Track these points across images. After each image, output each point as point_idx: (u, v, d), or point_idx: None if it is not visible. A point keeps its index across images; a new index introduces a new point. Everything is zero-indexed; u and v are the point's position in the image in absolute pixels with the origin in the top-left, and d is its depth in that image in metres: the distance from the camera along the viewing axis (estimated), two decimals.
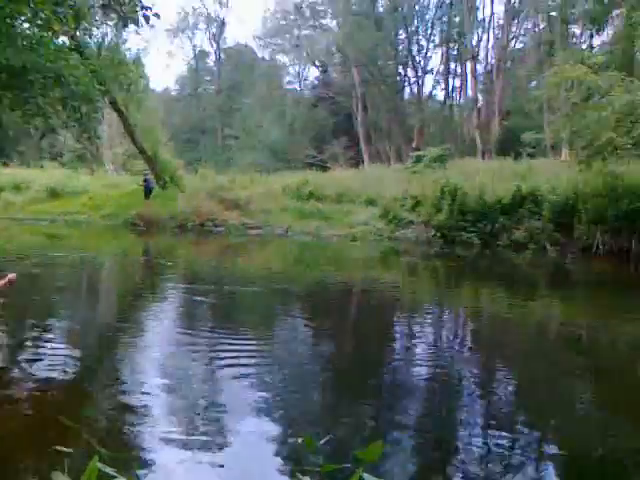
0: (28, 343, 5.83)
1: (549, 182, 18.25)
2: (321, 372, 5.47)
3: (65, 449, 2.66)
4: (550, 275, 14.34)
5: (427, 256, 16.73)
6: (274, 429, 3.95)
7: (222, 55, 55.94)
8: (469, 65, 37.94)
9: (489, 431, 4.06)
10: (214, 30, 53.90)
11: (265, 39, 49.06)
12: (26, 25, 8.88)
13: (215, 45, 55.04)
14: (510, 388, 5.16)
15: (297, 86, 52.89)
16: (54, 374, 4.86)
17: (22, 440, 3.64)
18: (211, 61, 57.97)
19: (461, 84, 41.12)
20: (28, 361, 5.20)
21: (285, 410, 4.30)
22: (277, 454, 3.61)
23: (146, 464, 3.34)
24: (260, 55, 54.29)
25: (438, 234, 18.64)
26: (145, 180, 22.77)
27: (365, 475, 2.41)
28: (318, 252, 17.31)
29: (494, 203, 18.19)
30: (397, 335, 7.54)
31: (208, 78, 58.78)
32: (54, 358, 5.26)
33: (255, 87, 49.65)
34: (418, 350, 6.41)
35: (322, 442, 2.80)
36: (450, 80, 43.13)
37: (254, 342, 6.27)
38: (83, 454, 2.74)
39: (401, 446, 3.76)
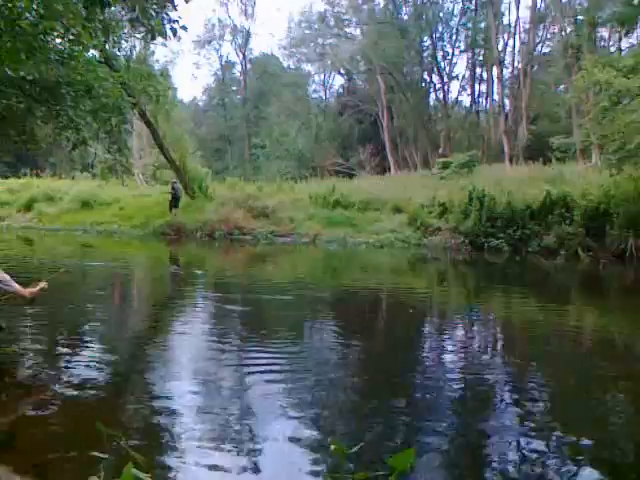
0: (63, 350, 5.91)
1: (580, 187, 17.97)
2: (352, 378, 5.45)
3: (101, 455, 2.71)
4: (582, 281, 14.09)
5: (456, 263, 16.59)
6: (305, 435, 3.94)
7: (248, 65, 56.49)
8: (495, 70, 37.64)
9: (523, 437, 3.99)
10: (240, 41, 54.48)
11: (290, 49, 49.44)
12: (57, 40, 9.09)
13: (241, 55, 55.62)
14: (544, 394, 5.07)
15: (322, 94, 53.20)
16: (88, 380, 4.92)
17: (58, 445, 3.69)
18: (237, 71, 58.63)
19: (487, 89, 40.83)
20: (62, 367, 5.29)
21: (316, 416, 4.29)
22: (308, 460, 3.60)
23: (179, 469, 3.37)
24: (285, 64, 54.79)
25: (466, 241, 18.50)
26: (173, 189, 23.05)
27: None
28: (346, 260, 17.29)
29: (523, 209, 17.98)
30: (428, 341, 7.48)
31: (234, 88, 59.40)
32: (88, 364, 5.33)
33: (281, 96, 49.99)
34: (449, 356, 6.35)
35: (353, 450, 2.79)
36: (476, 86, 42.94)
37: (284, 349, 6.27)
38: (118, 460, 2.79)
39: (433, 453, 3.72)
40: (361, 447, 3.17)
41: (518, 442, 3.91)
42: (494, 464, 3.60)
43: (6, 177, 32.63)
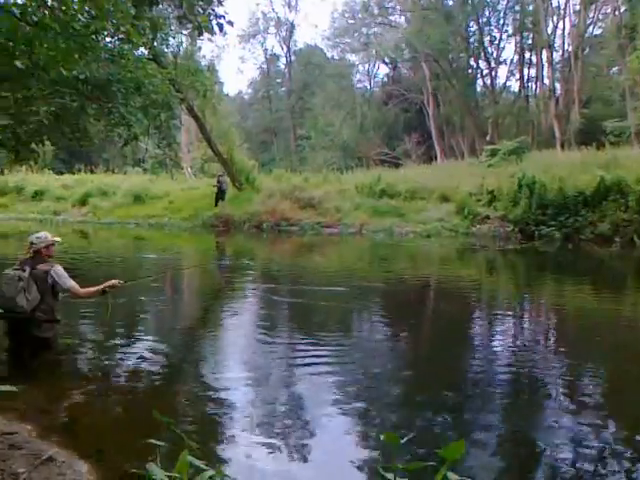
0: (118, 341, 6.12)
1: (635, 172, 17.33)
2: (401, 369, 5.46)
3: (158, 442, 2.82)
4: (639, 270, 13.64)
5: (505, 252, 16.30)
6: (355, 426, 3.99)
7: (292, 57, 56.65)
8: (545, 54, 36.63)
9: (576, 432, 3.91)
10: (284, 33, 54.65)
11: (334, 39, 49.26)
12: (107, 39, 9.32)
13: (285, 48, 55.82)
14: (599, 387, 4.94)
15: (367, 84, 52.88)
16: (142, 370, 5.09)
17: (117, 432, 3.84)
18: (282, 63, 58.86)
19: (537, 74, 39.73)
20: (118, 358, 5.48)
21: (366, 407, 4.32)
22: (359, 451, 3.65)
23: (232, 458, 3.45)
24: (329, 55, 54.64)
25: (516, 229, 18.16)
26: (218, 182, 23.42)
27: (449, 473, 2.42)
28: (393, 249, 17.22)
29: (576, 195, 17.50)
30: (478, 332, 7.41)
31: (279, 80, 59.68)
32: (142, 355, 5.50)
33: (325, 87, 49.92)
34: (500, 347, 6.28)
35: (405, 440, 2.81)
36: (525, 70, 41.81)
37: (333, 339, 6.32)
38: (174, 447, 2.89)
39: (483, 445, 3.70)
40: (412, 438, 3.19)
41: (571, 436, 3.85)
42: (545, 458, 3.54)
43: (61, 173, 33.76)
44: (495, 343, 6.50)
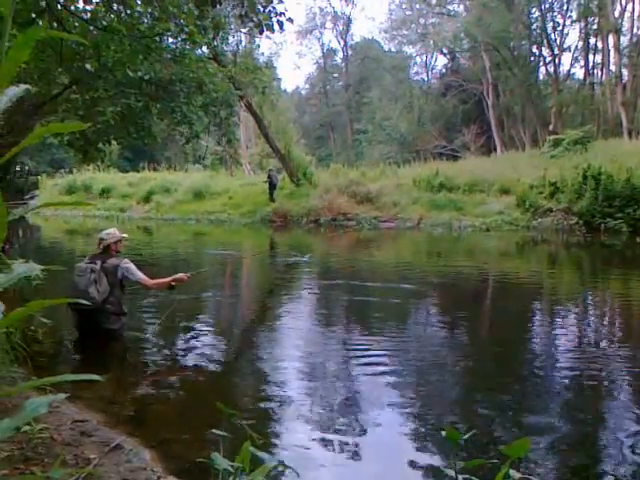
0: (181, 335, 6.30)
1: None
2: (459, 365, 5.40)
3: (220, 433, 2.90)
4: None
5: (569, 245, 15.82)
6: (414, 422, 3.98)
7: (349, 51, 56.52)
8: (611, 39, 35.12)
9: None
10: (341, 28, 54.61)
11: (391, 31, 48.79)
12: (170, 40, 9.58)
13: (342, 42, 55.75)
14: None
15: (424, 76, 52.21)
16: (202, 364, 5.21)
17: (180, 423, 3.96)
18: (339, 58, 58.87)
19: (603, 60, 38.16)
20: (181, 351, 5.65)
21: (424, 404, 4.31)
22: (419, 447, 3.63)
23: (291, 450, 3.51)
24: (387, 48, 54.20)
25: (581, 221, 17.59)
26: (269, 177, 23.79)
27: (512, 472, 2.39)
28: (452, 244, 17.00)
29: None
30: (539, 329, 7.23)
31: (336, 75, 59.70)
32: (202, 349, 5.64)
33: (382, 80, 49.59)
34: (562, 345, 6.11)
35: (466, 437, 2.80)
36: (590, 56, 40.23)
37: (390, 335, 6.31)
38: (236, 438, 2.97)
39: (545, 444, 3.63)
40: (474, 434, 3.16)
41: (636, 437, 3.72)
42: (608, 459, 3.45)
43: (126, 171, 34.91)
44: (558, 339, 6.34)
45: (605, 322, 7.49)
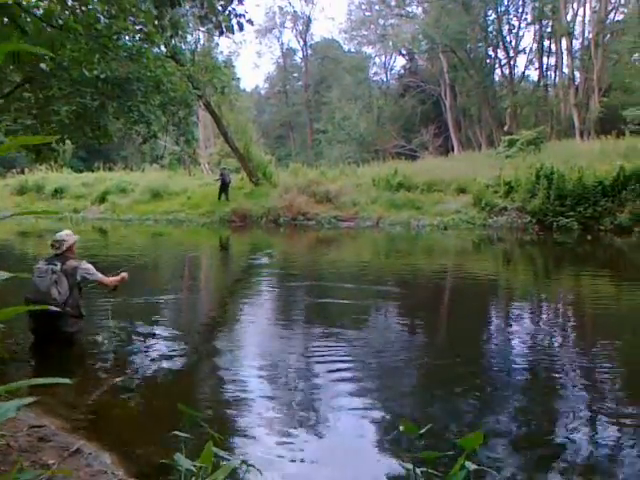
0: (140, 337, 6.23)
1: None
2: (418, 362, 5.51)
3: (182, 434, 2.91)
4: None
5: (523, 243, 16.24)
6: (373, 417, 4.05)
7: (309, 51, 56.59)
8: (564, 42, 36.15)
9: (594, 424, 3.93)
10: (301, 27, 54.60)
11: (350, 32, 49.07)
12: (127, 38, 9.43)
13: (302, 41, 55.75)
14: (618, 381, 4.93)
15: (384, 76, 52.65)
16: (162, 367, 5.17)
17: (141, 426, 3.94)
18: (298, 58, 58.87)
19: (556, 62, 39.25)
20: (140, 354, 5.59)
21: (383, 400, 4.39)
22: (377, 441, 3.72)
23: (253, 449, 3.54)
24: (346, 48, 54.48)
25: (534, 220, 18.06)
26: (221, 174, 23.78)
27: (467, 463, 2.48)
28: (410, 242, 17.24)
29: (595, 185, 17.36)
30: (495, 324, 7.43)
31: (296, 74, 59.67)
32: (161, 352, 5.60)
33: (342, 80, 49.82)
34: (517, 340, 6.29)
35: (423, 430, 2.88)
36: (544, 59, 41.33)
37: (351, 333, 6.38)
38: (198, 439, 2.98)
39: (502, 436, 3.75)
40: (430, 428, 3.24)
41: (589, 428, 3.88)
42: (562, 450, 3.57)
43: (80, 171, 34.14)
44: (514, 336, 6.51)
45: (558, 318, 7.73)
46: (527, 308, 8.15)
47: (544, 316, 7.79)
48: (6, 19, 6.04)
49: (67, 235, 5.61)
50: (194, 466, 2.48)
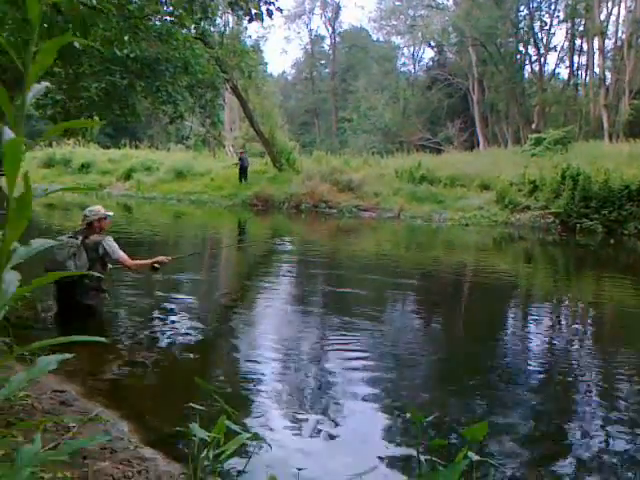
0: (161, 314, 6.37)
1: None
2: (433, 355, 5.56)
3: (197, 406, 3.02)
4: None
5: (545, 243, 16.12)
6: (384, 405, 4.12)
7: (337, 39, 56.31)
8: (597, 41, 35.53)
9: (605, 425, 3.92)
10: (330, 14, 54.34)
11: (380, 21, 48.74)
12: (157, 20, 9.52)
13: (330, 29, 55.53)
14: (633, 384, 4.89)
15: (411, 68, 52.25)
16: (180, 343, 5.30)
17: (156, 398, 4.07)
18: (326, 45, 58.61)
19: (587, 61, 38.62)
20: (159, 330, 5.73)
21: (394, 390, 4.44)
22: (385, 428, 3.78)
23: (264, 425, 3.64)
24: (375, 37, 54.14)
25: (557, 221, 17.90)
26: (240, 159, 23.96)
27: (470, 453, 2.55)
28: (431, 236, 17.20)
29: (621, 189, 17.12)
30: (513, 322, 7.44)
31: (323, 62, 59.48)
32: (180, 327, 5.74)
33: (369, 70, 49.55)
34: (535, 339, 6.27)
35: (429, 419, 2.95)
36: (575, 57, 40.69)
37: (366, 324, 6.44)
38: (212, 412, 3.09)
39: (509, 431, 3.77)
40: (437, 417, 3.31)
41: (598, 429, 3.87)
42: (569, 448, 3.59)
43: (107, 147, 34.54)
44: (530, 335, 6.51)
45: (577, 319, 7.68)
46: (546, 308, 8.12)
47: (563, 317, 7.76)
48: None
49: (90, 211, 5.71)
50: (208, 436, 2.59)
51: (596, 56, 36.24)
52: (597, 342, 6.41)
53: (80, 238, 5.53)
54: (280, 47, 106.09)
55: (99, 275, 5.54)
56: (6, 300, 1.11)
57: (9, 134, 1.05)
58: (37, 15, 1.05)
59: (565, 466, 3.40)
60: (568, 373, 5.04)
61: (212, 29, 15.72)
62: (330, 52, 57.14)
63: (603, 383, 4.83)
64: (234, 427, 2.78)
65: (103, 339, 1.40)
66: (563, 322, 7.40)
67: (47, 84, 1.15)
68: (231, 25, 21.52)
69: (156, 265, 5.83)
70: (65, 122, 1.23)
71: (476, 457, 2.62)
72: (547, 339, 6.25)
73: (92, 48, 7.70)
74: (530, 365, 5.24)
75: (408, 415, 2.70)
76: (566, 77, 42.05)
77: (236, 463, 2.97)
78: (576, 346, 6.12)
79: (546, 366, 5.25)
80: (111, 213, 5.91)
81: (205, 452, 2.70)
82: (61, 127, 1.21)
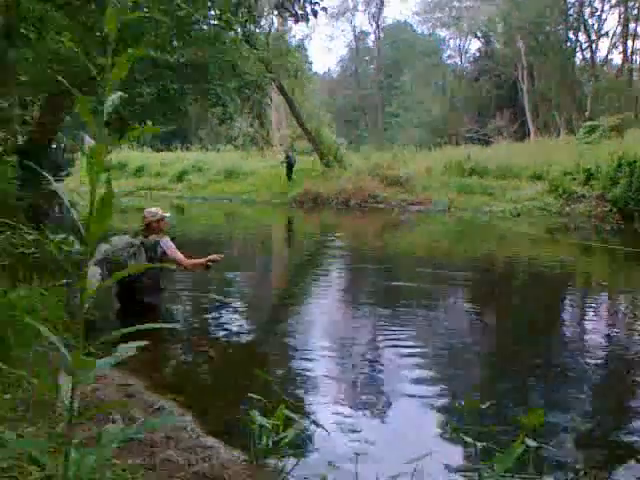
0: (218, 310, 6.53)
1: None
2: (484, 346, 5.53)
3: (256, 397, 3.14)
4: None
5: (601, 233, 15.66)
6: (435, 394, 4.13)
7: (381, 34, 55.98)
8: None
9: None
10: (373, 10, 54.04)
11: (424, 14, 48.24)
12: (204, 25, 9.75)
13: (374, 25, 55.22)
14: None
15: (458, 60, 51.51)
16: (236, 338, 5.46)
17: (216, 389, 4.21)
18: (371, 41, 58.37)
19: None
20: (217, 325, 5.90)
21: (446, 379, 4.46)
22: (438, 416, 3.81)
23: (321, 415, 3.72)
24: (419, 31, 53.63)
25: (614, 209, 17.35)
26: (287, 157, 24.19)
27: (527, 440, 2.57)
28: (482, 228, 16.96)
29: None
30: (569, 315, 7.28)
31: (367, 58, 59.26)
32: (234, 324, 5.90)
33: (414, 64, 49.11)
34: (593, 334, 6.10)
35: (484, 406, 2.98)
36: (629, 42, 39.20)
37: (419, 317, 6.46)
38: (271, 402, 3.20)
39: (564, 422, 3.73)
40: (491, 407, 3.32)
41: None
42: (625, 441, 3.54)
43: (160, 150, 35.42)
44: (588, 328, 6.37)
45: (635, 314, 7.45)
46: (605, 300, 7.90)
47: (622, 310, 7.52)
48: (93, 5, 6.45)
49: (148, 212, 5.93)
50: (268, 423, 2.70)
51: None
52: None
53: (140, 238, 5.77)
54: (324, 45, 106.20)
55: (157, 274, 5.76)
56: (91, 293, 1.22)
57: (89, 141, 1.17)
58: (114, 28, 1.16)
59: (629, 468, 3.26)
60: (630, 371, 4.89)
61: (257, 30, 15.98)
62: (374, 48, 56.87)
63: None
64: (292, 415, 2.88)
65: (175, 325, 1.51)
66: (624, 316, 7.09)
67: (121, 93, 1.26)
68: (276, 26, 21.75)
69: (209, 263, 6.00)
70: (135, 128, 1.35)
71: (533, 443, 2.64)
72: (608, 334, 6.04)
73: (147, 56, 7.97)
74: (590, 360, 5.06)
75: (462, 402, 2.73)
76: (620, 63, 40.63)
77: (295, 449, 3.07)
78: (633, 338, 5.94)
79: (607, 362, 5.10)
80: (168, 214, 6.11)
81: (265, 439, 2.81)
82: (139, 132, 1.32)
